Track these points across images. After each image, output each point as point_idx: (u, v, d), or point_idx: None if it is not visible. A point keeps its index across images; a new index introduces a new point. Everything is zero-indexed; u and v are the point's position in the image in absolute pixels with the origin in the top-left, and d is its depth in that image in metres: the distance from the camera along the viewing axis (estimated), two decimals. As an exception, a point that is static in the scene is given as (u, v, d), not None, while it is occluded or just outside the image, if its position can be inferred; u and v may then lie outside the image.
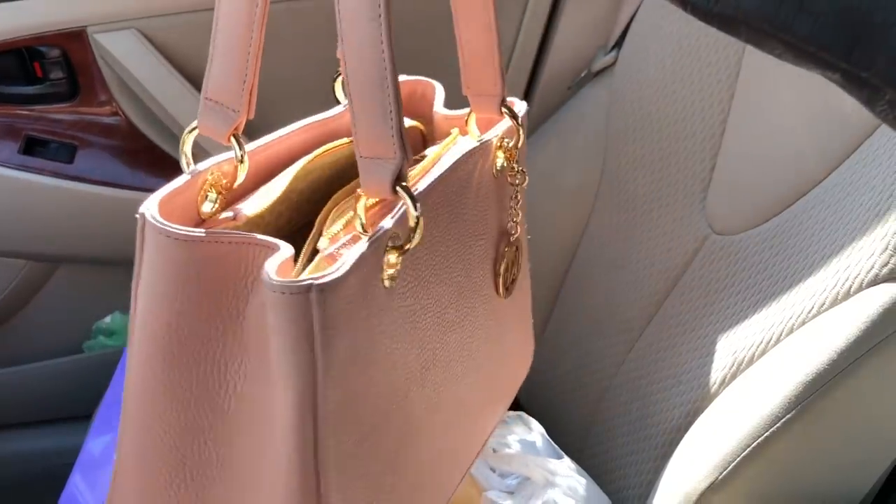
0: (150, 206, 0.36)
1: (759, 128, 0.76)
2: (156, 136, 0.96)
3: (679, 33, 0.85)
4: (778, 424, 0.58)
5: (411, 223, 0.37)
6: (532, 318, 0.61)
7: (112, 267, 1.04)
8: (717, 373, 0.67)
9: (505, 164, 0.49)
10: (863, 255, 0.60)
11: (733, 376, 0.66)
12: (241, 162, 0.39)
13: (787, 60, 0.28)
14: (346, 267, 0.34)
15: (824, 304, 0.61)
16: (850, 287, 0.60)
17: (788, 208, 0.70)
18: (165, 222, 0.36)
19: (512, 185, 0.50)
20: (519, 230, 0.52)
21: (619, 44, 0.97)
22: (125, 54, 0.92)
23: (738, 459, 0.59)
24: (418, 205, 0.36)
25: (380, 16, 0.33)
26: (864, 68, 0.26)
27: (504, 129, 0.50)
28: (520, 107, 0.52)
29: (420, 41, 1.00)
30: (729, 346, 0.67)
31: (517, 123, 0.49)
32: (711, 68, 0.81)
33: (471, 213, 0.47)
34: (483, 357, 0.51)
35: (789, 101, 0.74)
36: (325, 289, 0.33)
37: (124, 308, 1.07)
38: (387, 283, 0.37)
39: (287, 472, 0.36)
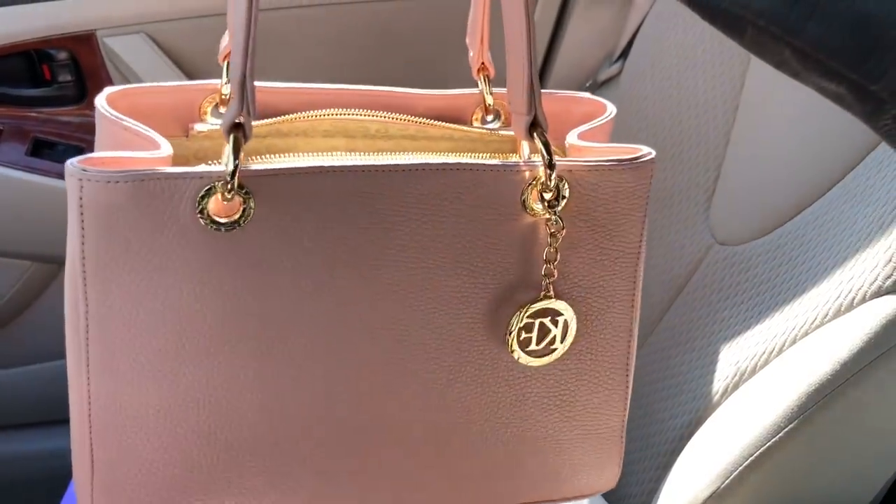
0: (103, 94, 0.41)
1: (764, 139, 0.76)
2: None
3: (685, 45, 0.85)
4: (780, 434, 0.58)
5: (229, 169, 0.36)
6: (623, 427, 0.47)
7: (116, 269, 1.04)
8: (719, 382, 0.67)
9: (538, 205, 0.41)
10: (866, 266, 0.60)
11: (736, 386, 0.66)
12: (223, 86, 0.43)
13: (789, 70, 0.27)
14: (129, 174, 0.35)
15: (827, 315, 0.61)
16: (853, 298, 0.60)
17: (792, 219, 0.70)
18: (107, 107, 0.40)
19: (548, 233, 0.41)
20: (554, 292, 0.42)
21: (624, 54, 0.97)
22: (133, 58, 0.92)
23: (740, 469, 0.59)
24: (237, 159, 0.36)
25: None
26: (874, 80, 0.25)
27: (565, 163, 0.41)
28: (605, 105, 0.46)
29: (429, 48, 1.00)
30: (731, 356, 0.67)
31: (545, 153, 0.40)
32: (716, 80, 0.81)
33: (451, 235, 0.40)
34: (423, 417, 0.42)
35: (793, 112, 0.74)
36: (90, 179, 0.35)
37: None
38: (203, 222, 0.36)
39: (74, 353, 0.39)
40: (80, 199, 0.35)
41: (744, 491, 0.59)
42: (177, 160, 0.39)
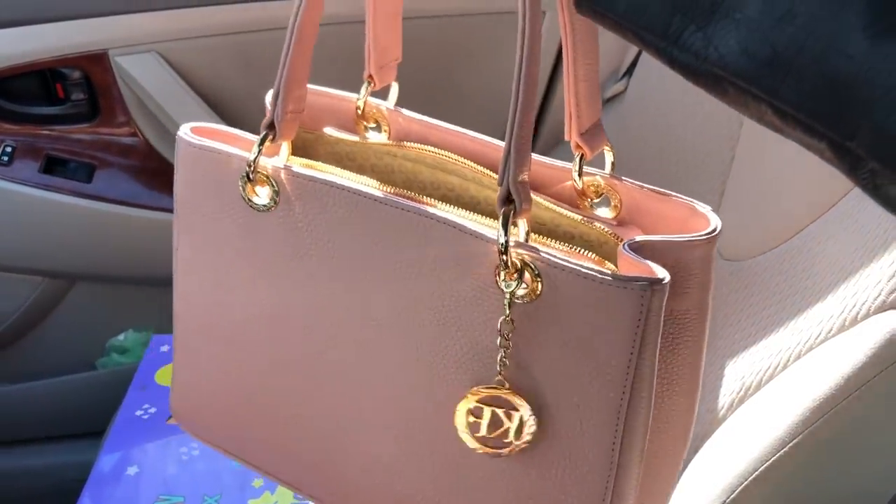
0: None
1: (769, 155, 0.76)
2: (173, 157, 0.98)
3: (689, 61, 0.86)
4: (785, 449, 0.58)
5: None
6: None
7: (126, 285, 1.05)
8: (725, 397, 0.67)
9: (507, 287, 0.37)
10: (870, 281, 0.60)
11: (741, 401, 0.66)
12: (362, 101, 0.49)
13: (772, 126, 0.28)
14: (201, 143, 0.45)
15: (832, 330, 0.61)
16: (858, 313, 0.60)
17: (797, 234, 0.70)
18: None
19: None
20: (511, 383, 0.38)
21: (629, 71, 0.98)
22: (145, 76, 0.93)
23: (745, 483, 0.59)
24: (260, 150, 0.43)
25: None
26: (849, 138, 0.26)
27: (545, 254, 0.36)
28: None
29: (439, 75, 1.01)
30: (737, 371, 0.68)
31: (502, 232, 0.36)
32: (721, 96, 0.82)
33: (437, 286, 0.39)
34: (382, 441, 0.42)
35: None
36: (182, 139, 0.47)
37: (137, 326, 1.08)
38: (243, 198, 0.44)
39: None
40: (177, 153, 0.47)
41: (749, 506, 0.59)
42: (300, 153, 0.47)
